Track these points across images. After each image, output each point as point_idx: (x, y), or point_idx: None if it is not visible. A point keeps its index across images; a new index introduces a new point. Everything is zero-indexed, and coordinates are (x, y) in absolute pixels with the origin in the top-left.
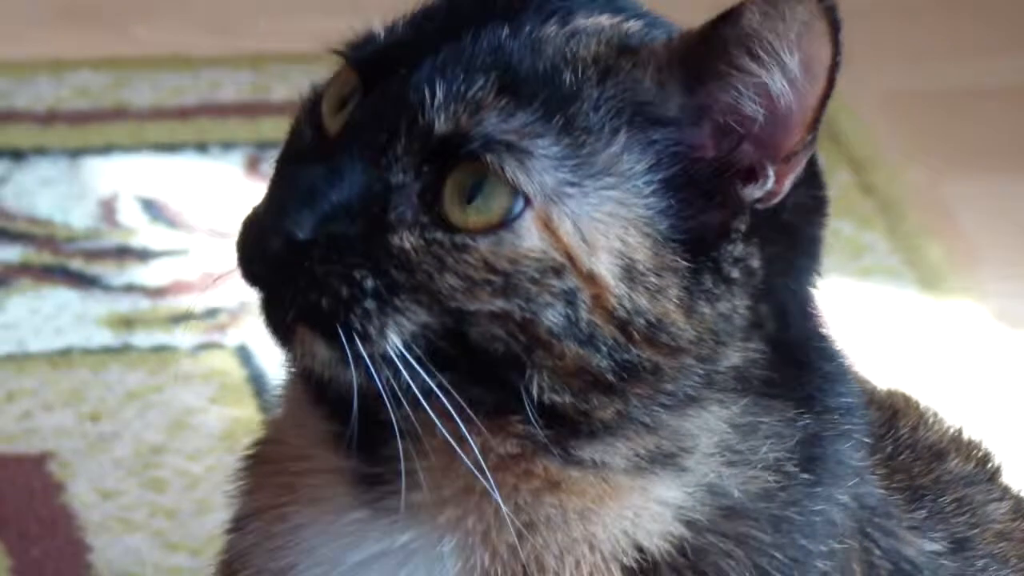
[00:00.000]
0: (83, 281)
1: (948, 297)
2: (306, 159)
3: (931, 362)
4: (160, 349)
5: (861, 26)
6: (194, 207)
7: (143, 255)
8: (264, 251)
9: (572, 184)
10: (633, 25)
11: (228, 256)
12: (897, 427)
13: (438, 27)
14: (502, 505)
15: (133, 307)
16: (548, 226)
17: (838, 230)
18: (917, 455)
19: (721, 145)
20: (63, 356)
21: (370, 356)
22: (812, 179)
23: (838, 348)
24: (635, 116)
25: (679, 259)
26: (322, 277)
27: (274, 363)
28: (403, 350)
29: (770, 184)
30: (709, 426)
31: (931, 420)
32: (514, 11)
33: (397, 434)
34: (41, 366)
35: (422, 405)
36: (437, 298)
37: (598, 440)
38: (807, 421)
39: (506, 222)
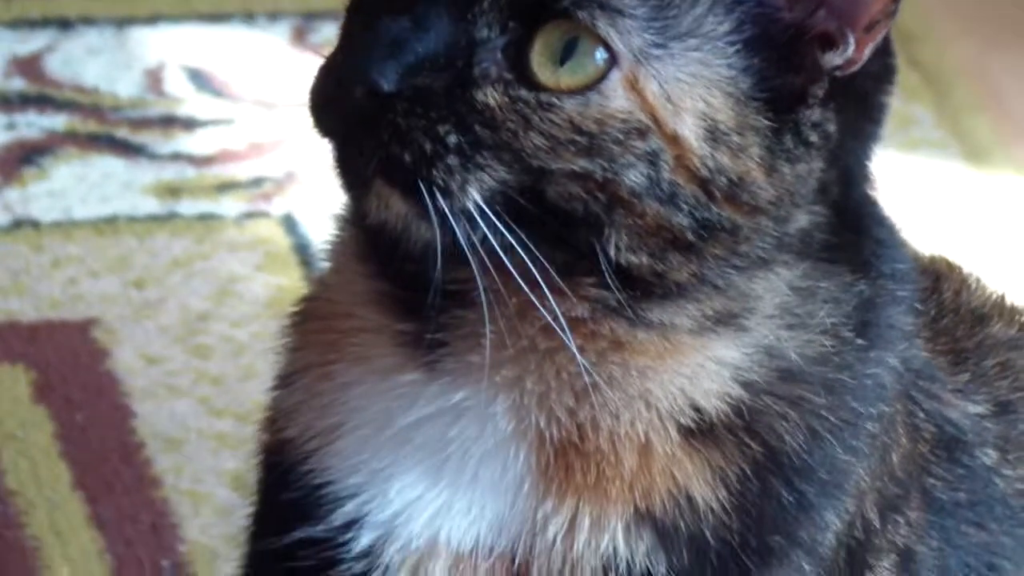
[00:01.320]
0: (129, 149)
1: (994, 171)
2: (388, 9)
3: (976, 234)
4: (206, 217)
5: None
6: (240, 77)
7: (189, 124)
8: (345, 100)
9: (658, 45)
10: None
11: (274, 126)
12: (940, 291)
13: None
14: (579, 357)
15: (179, 175)
16: (635, 87)
17: None
18: (960, 319)
19: (800, 6)
20: (109, 224)
21: (451, 210)
22: (883, 46)
23: (887, 214)
24: None
25: (761, 118)
26: (405, 131)
27: (320, 233)
28: (483, 205)
29: (850, 52)
30: (773, 287)
31: (974, 285)
32: None
33: (470, 292)
34: (87, 233)
35: (499, 261)
36: (520, 156)
37: (670, 302)
38: (862, 287)
39: (594, 83)
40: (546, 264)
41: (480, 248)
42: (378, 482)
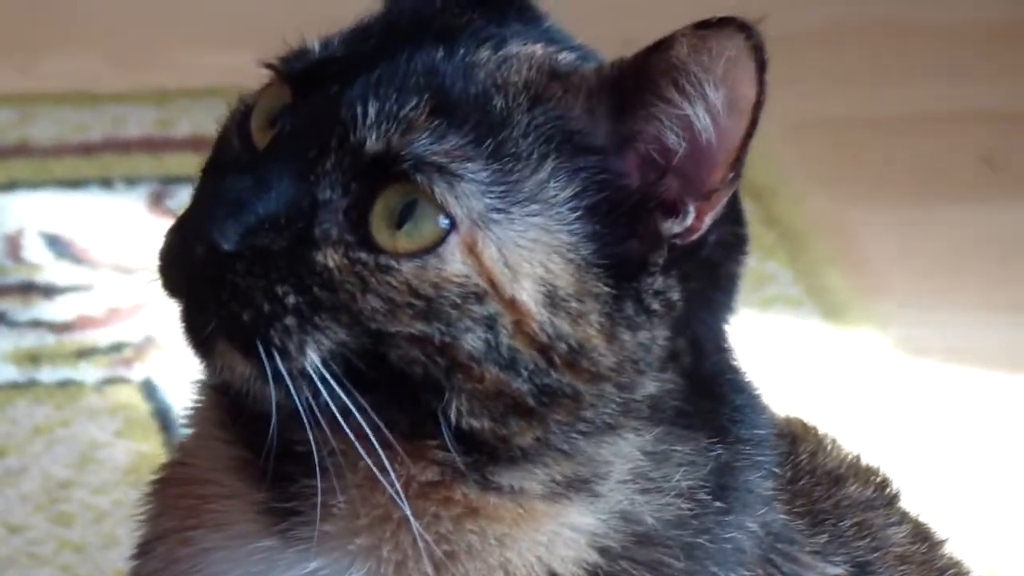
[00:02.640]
0: None
1: (850, 326)
2: (234, 169)
3: (833, 391)
4: (66, 384)
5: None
6: (99, 243)
7: (48, 291)
8: (187, 260)
9: (499, 210)
10: (566, 56)
11: (133, 291)
12: (797, 453)
13: (374, 45)
14: (419, 536)
15: (39, 342)
16: (473, 251)
17: None
18: (817, 480)
19: (645, 176)
20: None
21: (288, 372)
22: (733, 216)
23: (748, 380)
24: (563, 143)
25: (601, 285)
26: (244, 290)
27: (179, 397)
28: (321, 368)
29: (690, 220)
30: (623, 453)
31: (829, 446)
32: (449, 35)
33: (315, 458)
34: None
35: (340, 426)
36: (358, 318)
37: (516, 467)
38: (720, 451)
39: (432, 247)
40: (386, 429)
41: (319, 411)
42: None
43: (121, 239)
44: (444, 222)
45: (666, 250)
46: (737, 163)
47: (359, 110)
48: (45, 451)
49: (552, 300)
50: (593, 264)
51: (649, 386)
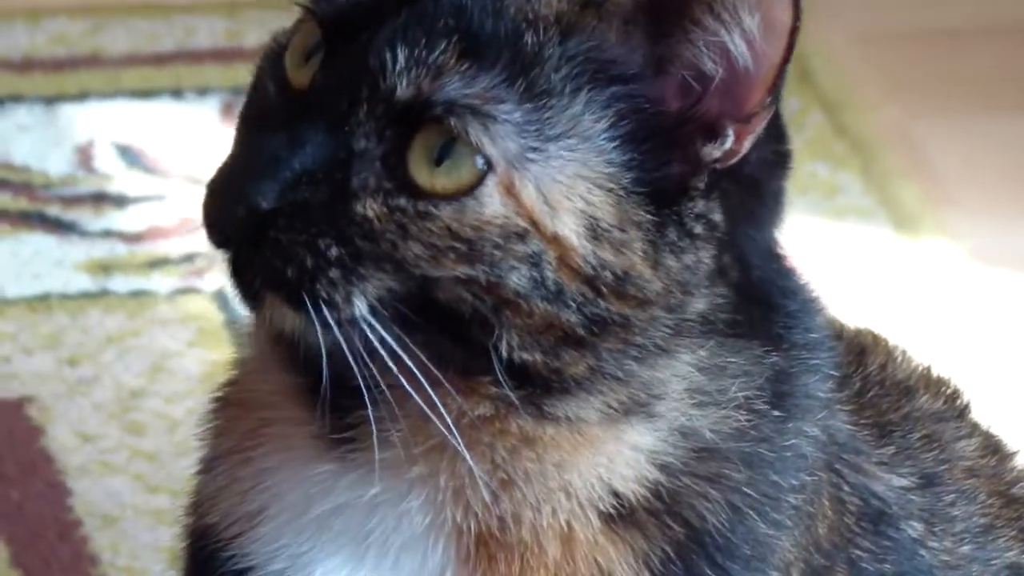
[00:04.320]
0: (60, 227)
1: (922, 237)
2: (270, 122)
3: (907, 302)
4: (138, 294)
5: None
6: (170, 153)
7: (120, 201)
8: (228, 219)
9: (534, 149)
10: None
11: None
12: (866, 364)
13: None
14: (474, 467)
15: (111, 252)
16: (511, 192)
17: (813, 171)
18: (886, 392)
19: (682, 100)
20: (42, 301)
21: (337, 322)
22: (775, 134)
23: (804, 284)
24: (597, 74)
25: (643, 213)
26: (287, 246)
27: None
28: (369, 315)
29: (729, 143)
30: (679, 372)
31: (900, 358)
32: None
33: (367, 399)
34: (20, 311)
35: (392, 369)
36: (402, 265)
37: (571, 396)
38: (775, 358)
39: (470, 189)
40: (439, 367)
41: (370, 355)
42: (300, 567)
43: (192, 149)
44: (481, 163)
45: (706, 174)
46: (775, 87)
47: (388, 57)
48: (117, 360)
49: (595, 232)
50: (633, 192)
51: (699, 303)
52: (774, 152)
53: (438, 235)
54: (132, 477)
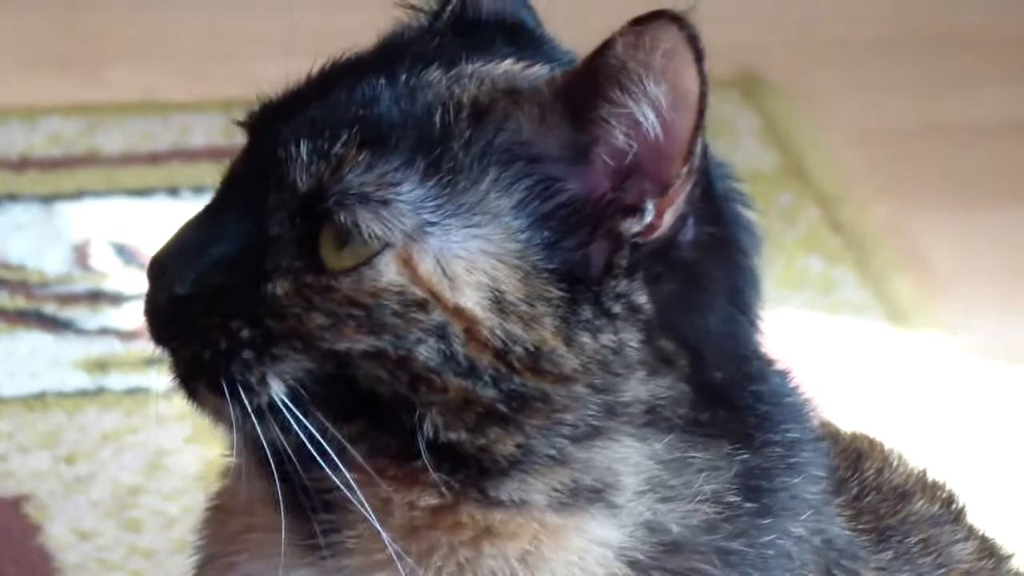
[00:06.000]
0: (57, 325)
1: (918, 331)
2: (205, 211)
3: (903, 396)
4: (134, 391)
5: (829, 63)
6: None
7: (116, 299)
8: (154, 309)
9: (434, 224)
10: (538, 71)
11: None
12: (862, 469)
13: (321, 81)
14: (392, 549)
15: (107, 350)
16: (408, 263)
17: (807, 266)
18: (883, 496)
19: (603, 180)
20: (38, 399)
21: (256, 407)
22: (708, 216)
23: (789, 388)
24: (507, 154)
25: (553, 289)
26: (202, 329)
27: None
28: (286, 399)
29: (649, 217)
30: (629, 461)
31: (895, 462)
32: (400, 61)
33: (316, 503)
34: (17, 409)
35: (318, 462)
36: (309, 340)
37: (509, 478)
38: (745, 455)
39: (367, 260)
40: (375, 458)
41: (297, 451)
42: None
43: None
44: (377, 242)
45: (628, 251)
46: (690, 156)
47: (292, 150)
48: (114, 458)
49: (500, 306)
50: (544, 269)
51: (637, 390)
52: (707, 235)
53: (337, 303)
54: (129, 574)
